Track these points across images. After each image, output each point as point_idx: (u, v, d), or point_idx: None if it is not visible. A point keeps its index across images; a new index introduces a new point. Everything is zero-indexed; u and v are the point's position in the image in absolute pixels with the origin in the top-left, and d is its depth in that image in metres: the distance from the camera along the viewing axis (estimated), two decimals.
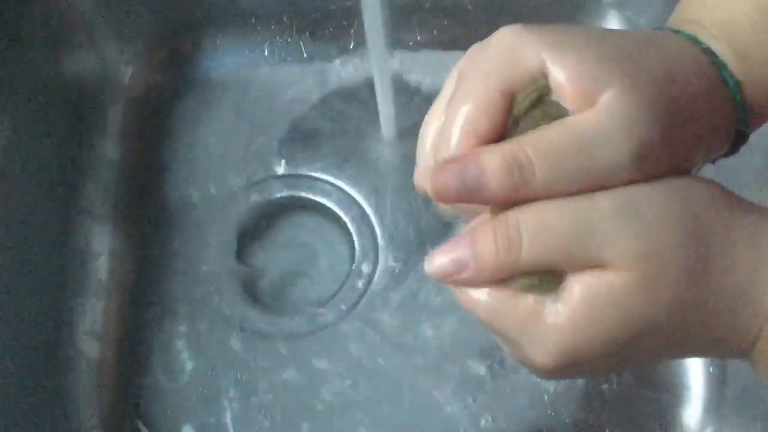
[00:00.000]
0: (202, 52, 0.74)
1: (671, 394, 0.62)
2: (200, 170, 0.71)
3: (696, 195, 0.30)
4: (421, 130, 0.33)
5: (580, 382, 0.62)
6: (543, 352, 0.29)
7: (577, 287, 0.28)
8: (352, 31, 0.74)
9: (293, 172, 0.70)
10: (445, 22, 0.74)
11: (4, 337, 0.57)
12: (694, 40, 0.33)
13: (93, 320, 0.65)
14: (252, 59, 0.74)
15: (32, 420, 0.58)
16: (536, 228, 0.28)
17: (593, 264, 0.28)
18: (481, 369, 0.63)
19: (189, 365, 0.64)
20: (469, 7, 0.73)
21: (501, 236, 0.28)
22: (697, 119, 0.31)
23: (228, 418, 0.62)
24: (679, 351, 0.32)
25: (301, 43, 0.75)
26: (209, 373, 0.64)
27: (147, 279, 0.67)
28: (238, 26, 0.74)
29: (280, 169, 0.70)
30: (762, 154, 0.57)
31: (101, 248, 0.67)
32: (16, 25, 0.62)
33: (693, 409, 0.62)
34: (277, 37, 0.74)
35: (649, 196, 0.28)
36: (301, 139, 0.72)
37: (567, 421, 0.61)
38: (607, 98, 0.28)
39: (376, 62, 0.62)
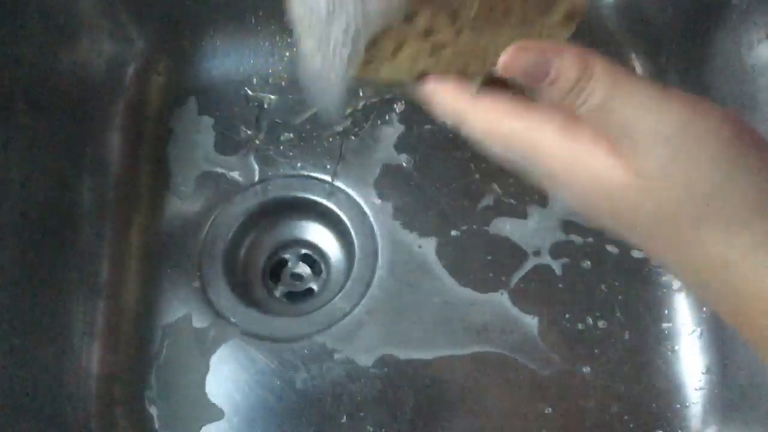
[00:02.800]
0: (202, 52, 0.74)
1: (671, 394, 0.62)
2: (200, 170, 0.71)
3: (750, 153, 0.31)
4: None
5: (580, 382, 0.62)
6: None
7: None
8: None
9: (294, 172, 0.70)
10: None
11: (3, 336, 0.57)
12: None
13: (93, 320, 0.65)
14: (252, 59, 0.74)
15: (32, 420, 0.58)
16: (599, 101, 0.31)
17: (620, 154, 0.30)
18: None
19: (189, 366, 0.64)
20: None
21: (571, 95, 0.31)
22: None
23: (228, 417, 0.62)
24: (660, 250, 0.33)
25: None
26: (209, 373, 0.64)
27: (147, 279, 0.67)
28: (238, 26, 0.74)
29: (280, 168, 0.70)
30: None
31: (101, 248, 0.67)
32: (16, 25, 0.62)
33: (693, 409, 0.62)
34: (277, 37, 0.74)
35: (704, 132, 0.30)
36: (301, 138, 0.72)
37: (567, 420, 0.61)
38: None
39: None
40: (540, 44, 0.31)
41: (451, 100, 0.34)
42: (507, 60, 0.31)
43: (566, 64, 0.31)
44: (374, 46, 0.34)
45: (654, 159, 0.30)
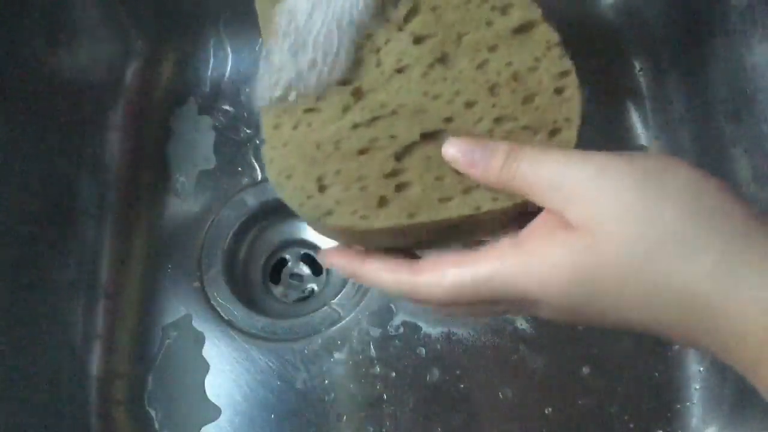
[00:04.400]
0: (202, 52, 0.74)
1: (671, 394, 0.62)
2: (200, 170, 0.71)
3: (682, 192, 0.30)
4: None
5: (580, 382, 0.62)
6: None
7: (537, 245, 0.32)
8: None
9: None
10: None
11: (4, 336, 0.57)
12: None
13: (93, 320, 0.65)
14: (252, 59, 0.74)
15: (32, 419, 0.58)
16: (528, 165, 0.33)
17: (558, 211, 0.32)
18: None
19: (189, 366, 0.64)
20: None
21: (505, 160, 0.33)
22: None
23: (227, 417, 0.62)
24: (636, 325, 0.32)
25: None
26: (209, 373, 0.64)
27: (147, 279, 0.67)
28: (238, 26, 0.74)
29: None
30: (762, 154, 0.58)
31: (101, 248, 0.67)
32: (17, 25, 0.62)
33: (693, 409, 0.62)
34: None
35: (634, 177, 0.30)
36: None
37: (567, 420, 0.61)
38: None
39: None
40: (474, 138, 0.35)
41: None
42: (452, 152, 0.35)
43: (498, 145, 0.34)
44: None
45: (594, 205, 0.30)
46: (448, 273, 0.33)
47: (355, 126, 0.36)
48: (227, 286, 0.67)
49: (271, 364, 0.64)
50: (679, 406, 0.62)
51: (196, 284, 0.67)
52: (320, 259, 0.38)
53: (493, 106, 0.36)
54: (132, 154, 0.71)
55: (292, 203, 0.36)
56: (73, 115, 0.68)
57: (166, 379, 0.64)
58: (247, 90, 0.74)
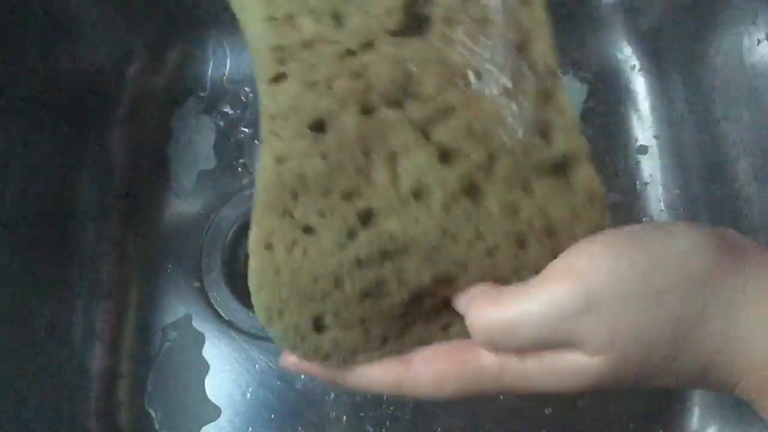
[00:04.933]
0: (202, 52, 0.74)
1: (671, 394, 0.62)
2: (200, 170, 0.71)
3: (669, 263, 0.29)
4: None
5: None
6: None
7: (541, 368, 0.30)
8: None
9: None
10: None
11: (4, 337, 0.57)
12: None
13: (92, 321, 0.65)
14: (252, 59, 0.74)
15: (32, 419, 0.58)
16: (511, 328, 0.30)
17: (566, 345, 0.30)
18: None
19: (189, 366, 0.64)
20: None
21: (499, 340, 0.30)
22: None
23: (227, 417, 0.62)
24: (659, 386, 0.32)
25: None
26: (209, 373, 0.64)
27: (147, 279, 0.67)
28: (238, 26, 0.74)
29: None
30: (762, 154, 0.57)
31: (101, 248, 0.67)
32: (17, 25, 0.62)
33: (693, 409, 0.62)
34: None
35: (607, 286, 0.29)
36: None
37: (567, 421, 0.61)
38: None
39: None
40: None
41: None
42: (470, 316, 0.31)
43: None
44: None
45: (596, 324, 0.29)
46: (444, 364, 0.32)
47: (359, 263, 0.31)
48: (227, 286, 0.67)
49: (271, 364, 0.64)
50: (679, 406, 0.62)
51: (196, 284, 0.67)
52: (284, 363, 0.35)
53: (517, 256, 0.31)
54: (132, 154, 0.71)
55: (285, 344, 0.33)
56: (73, 115, 0.68)
57: (166, 379, 0.64)
58: (247, 89, 0.74)
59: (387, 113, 0.31)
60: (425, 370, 0.32)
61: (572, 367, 0.30)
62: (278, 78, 0.33)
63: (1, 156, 0.59)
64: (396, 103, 0.31)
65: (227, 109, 0.73)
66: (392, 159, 0.31)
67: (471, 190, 0.31)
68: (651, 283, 0.28)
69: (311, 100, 0.31)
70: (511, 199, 0.31)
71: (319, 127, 0.31)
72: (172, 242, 0.68)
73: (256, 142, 0.72)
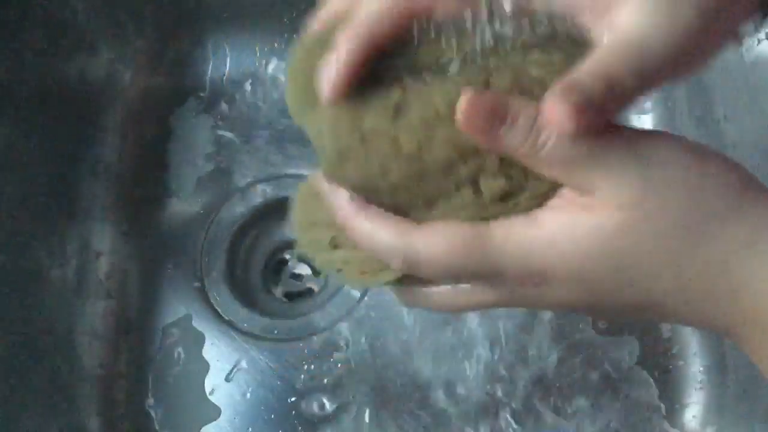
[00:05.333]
0: (202, 52, 0.74)
1: (671, 393, 0.62)
2: (200, 170, 0.71)
3: (710, 171, 0.29)
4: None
5: (581, 382, 0.62)
6: (515, 264, 0.29)
7: (556, 219, 0.29)
8: None
9: (293, 171, 0.70)
10: None
11: (4, 336, 0.57)
12: None
13: (93, 320, 0.65)
14: (252, 59, 0.74)
15: (32, 419, 0.58)
16: (558, 141, 0.28)
17: (585, 190, 0.29)
18: (487, 350, 0.63)
19: (189, 366, 0.64)
20: None
21: (532, 134, 0.28)
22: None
23: (227, 417, 0.62)
24: (659, 309, 0.31)
25: None
26: (209, 373, 0.64)
27: (147, 279, 0.67)
28: (238, 26, 0.74)
29: (280, 168, 0.70)
30: (762, 154, 0.57)
31: (101, 248, 0.67)
32: (17, 26, 0.62)
33: (693, 409, 0.62)
34: (277, 37, 0.74)
35: (666, 154, 0.29)
36: (302, 138, 0.72)
37: (567, 419, 0.61)
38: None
39: None
40: (490, 93, 0.30)
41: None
42: (467, 108, 0.28)
43: (522, 102, 0.29)
44: None
45: (633, 178, 0.28)
46: (455, 231, 0.30)
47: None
48: (227, 286, 0.67)
49: (271, 364, 0.64)
50: (678, 406, 0.62)
51: (197, 284, 0.67)
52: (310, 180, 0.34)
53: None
54: (132, 154, 0.71)
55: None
56: (73, 115, 0.68)
57: (166, 379, 0.64)
58: (247, 89, 0.74)
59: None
60: (434, 228, 0.30)
61: (590, 212, 0.29)
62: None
63: (2, 156, 0.59)
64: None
65: (227, 109, 0.73)
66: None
67: None
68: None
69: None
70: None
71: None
72: (172, 242, 0.68)
73: (256, 142, 0.72)
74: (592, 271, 0.29)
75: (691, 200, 0.29)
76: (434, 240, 0.30)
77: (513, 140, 0.28)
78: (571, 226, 0.29)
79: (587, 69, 0.28)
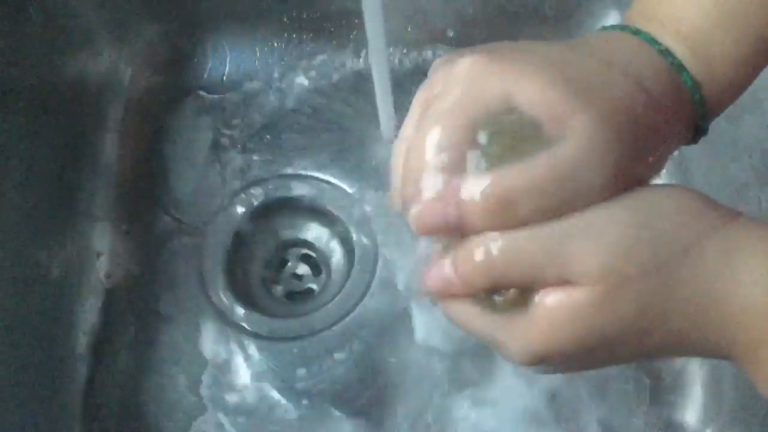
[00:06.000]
0: (202, 52, 0.74)
1: (671, 393, 0.62)
2: (200, 170, 0.71)
3: (662, 206, 0.31)
4: (394, 149, 0.36)
5: (582, 381, 0.62)
6: (518, 353, 0.31)
7: (545, 300, 0.30)
8: (352, 32, 0.74)
9: (292, 171, 0.70)
10: (445, 23, 0.74)
11: (3, 336, 0.57)
12: (653, 41, 0.34)
13: (93, 320, 0.65)
14: (252, 59, 0.74)
15: (32, 419, 0.58)
16: (512, 253, 0.30)
17: (563, 281, 0.30)
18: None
19: (189, 366, 0.64)
20: (470, 9, 0.73)
21: (482, 260, 0.30)
22: (662, 125, 0.32)
23: (227, 417, 0.62)
24: (655, 352, 0.33)
25: (300, 43, 0.75)
26: (209, 373, 0.64)
27: (147, 279, 0.67)
28: (238, 26, 0.74)
29: (280, 168, 0.70)
30: (762, 154, 0.58)
31: (101, 248, 0.67)
32: (17, 26, 0.62)
33: (693, 409, 0.62)
34: (277, 37, 0.74)
35: (610, 214, 0.30)
36: (301, 138, 0.72)
37: (567, 419, 0.62)
38: (578, 128, 0.30)
39: (375, 62, 0.62)
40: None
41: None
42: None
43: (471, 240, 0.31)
44: None
45: (590, 257, 0.29)
46: None
47: None
48: (227, 285, 0.67)
49: (271, 363, 0.64)
50: (678, 406, 0.62)
51: (197, 284, 0.67)
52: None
53: None
54: (131, 154, 0.71)
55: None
56: (73, 115, 0.68)
57: (165, 378, 0.64)
58: (246, 89, 0.74)
59: None
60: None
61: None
62: None
63: (2, 156, 0.59)
64: None
65: (227, 109, 0.73)
66: None
67: None
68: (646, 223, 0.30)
69: None
70: None
71: None
72: (172, 242, 0.68)
73: (256, 141, 0.72)
74: (580, 350, 0.31)
75: (654, 251, 0.30)
76: None
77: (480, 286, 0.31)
78: (550, 314, 0.30)
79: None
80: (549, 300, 0.30)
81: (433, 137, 0.31)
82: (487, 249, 0.30)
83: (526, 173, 0.30)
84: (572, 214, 0.30)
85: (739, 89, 0.38)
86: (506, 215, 0.30)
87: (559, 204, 0.30)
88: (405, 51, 0.74)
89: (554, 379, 0.62)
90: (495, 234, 0.30)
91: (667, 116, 0.33)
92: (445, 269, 0.31)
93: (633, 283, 0.29)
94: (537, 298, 0.30)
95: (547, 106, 0.30)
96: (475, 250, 0.31)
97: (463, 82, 0.31)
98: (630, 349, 0.31)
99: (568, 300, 0.30)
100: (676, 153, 0.67)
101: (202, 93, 0.73)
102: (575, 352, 0.31)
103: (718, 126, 0.62)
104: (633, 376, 0.63)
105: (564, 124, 0.30)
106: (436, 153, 0.31)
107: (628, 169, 0.31)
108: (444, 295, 0.32)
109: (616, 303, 0.30)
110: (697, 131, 0.37)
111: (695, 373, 0.63)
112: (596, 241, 0.30)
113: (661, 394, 0.62)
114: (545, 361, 0.31)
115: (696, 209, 0.31)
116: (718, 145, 0.61)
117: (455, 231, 0.31)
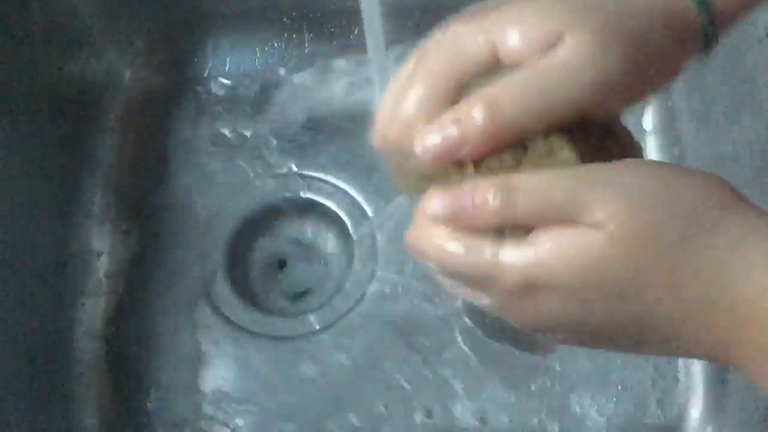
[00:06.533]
0: (202, 52, 0.74)
1: (672, 393, 0.62)
2: (199, 170, 0.71)
3: (690, 185, 0.31)
4: (385, 93, 0.38)
5: (579, 381, 0.62)
6: (511, 277, 0.30)
7: (555, 231, 0.30)
8: (352, 31, 0.74)
9: (293, 171, 0.70)
10: (444, 22, 0.74)
11: (4, 336, 0.57)
12: None
13: (93, 320, 0.65)
14: (252, 59, 0.74)
15: (32, 419, 0.58)
16: (532, 193, 0.30)
17: (578, 224, 0.30)
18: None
19: (189, 365, 0.64)
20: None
21: (501, 193, 0.30)
22: (661, 44, 0.33)
23: (227, 416, 0.62)
24: (655, 333, 0.32)
25: (301, 42, 0.75)
26: (209, 372, 0.64)
27: (147, 279, 0.67)
28: (238, 26, 0.74)
29: (280, 168, 0.70)
30: (762, 154, 0.57)
31: (101, 248, 0.67)
32: (17, 26, 0.62)
33: (693, 409, 0.62)
34: (277, 37, 0.74)
35: (638, 178, 0.30)
36: (301, 138, 0.72)
37: (566, 419, 0.62)
38: (569, 38, 0.31)
39: (375, 62, 0.62)
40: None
41: None
42: (435, 208, 0.32)
43: (485, 184, 0.31)
44: None
45: (614, 203, 0.29)
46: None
47: None
48: (228, 285, 0.67)
49: (270, 362, 0.64)
50: (679, 406, 0.62)
51: (197, 284, 0.67)
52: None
53: None
54: (132, 154, 0.71)
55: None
56: (73, 115, 0.68)
57: (166, 378, 0.64)
58: (246, 89, 0.74)
59: None
60: None
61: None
62: None
63: (2, 156, 0.59)
64: None
65: (226, 109, 0.73)
66: None
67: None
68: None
69: None
70: None
71: None
72: (172, 242, 0.68)
73: (256, 141, 0.72)
74: (580, 284, 0.30)
75: (673, 215, 0.30)
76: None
77: (490, 218, 0.31)
78: (557, 243, 0.30)
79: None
80: (560, 232, 0.30)
81: (421, 93, 0.34)
82: (507, 183, 0.30)
83: (510, 78, 0.31)
84: (595, 164, 0.30)
85: None
86: (497, 116, 0.31)
87: (550, 109, 0.30)
88: (405, 51, 0.74)
89: (554, 378, 0.62)
90: (519, 174, 0.30)
91: (669, 33, 0.33)
92: (462, 198, 0.31)
93: (650, 243, 0.29)
94: (547, 231, 0.30)
95: (540, 25, 0.31)
96: (493, 182, 0.31)
97: (449, 40, 0.34)
98: (630, 318, 0.30)
99: (580, 235, 0.29)
100: (676, 153, 0.67)
101: (202, 93, 0.73)
102: (574, 292, 0.30)
103: (718, 126, 0.62)
104: (634, 375, 0.63)
105: (556, 38, 0.31)
106: (423, 103, 0.33)
107: (619, 80, 0.31)
108: (454, 221, 0.31)
109: (629, 253, 0.29)
110: (707, 40, 0.37)
111: (695, 372, 0.63)
112: (624, 192, 0.30)
113: (661, 394, 0.62)
114: (539, 286, 0.30)
115: (722, 199, 0.31)
116: (718, 145, 0.61)
117: (456, 151, 0.31)
